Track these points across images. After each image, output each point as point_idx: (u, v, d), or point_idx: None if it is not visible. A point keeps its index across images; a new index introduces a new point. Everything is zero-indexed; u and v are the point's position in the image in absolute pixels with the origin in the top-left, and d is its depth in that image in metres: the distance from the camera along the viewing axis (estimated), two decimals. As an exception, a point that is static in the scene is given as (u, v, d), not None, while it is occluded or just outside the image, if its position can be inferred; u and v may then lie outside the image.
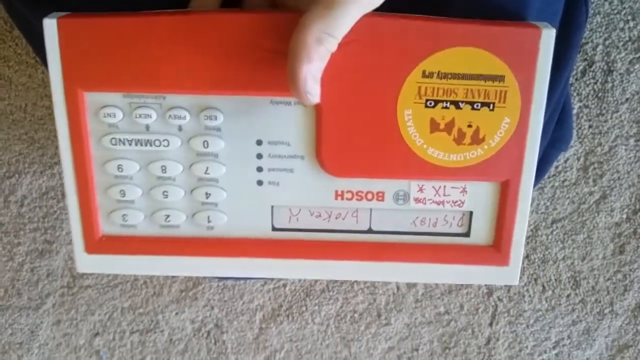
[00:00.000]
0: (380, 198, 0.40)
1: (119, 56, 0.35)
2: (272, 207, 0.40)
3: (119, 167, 0.38)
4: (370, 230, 0.41)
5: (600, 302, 0.74)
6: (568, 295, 0.74)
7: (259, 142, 0.38)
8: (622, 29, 0.60)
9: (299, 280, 0.75)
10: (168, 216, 0.40)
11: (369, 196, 0.40)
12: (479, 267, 0.41)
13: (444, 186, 0.39)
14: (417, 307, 0.76)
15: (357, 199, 0.40)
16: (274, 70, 0.35)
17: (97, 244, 0.40)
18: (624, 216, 0.69)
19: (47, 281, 0.77)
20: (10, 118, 0.67)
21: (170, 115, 0.37)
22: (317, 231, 0.41)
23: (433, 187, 0.39)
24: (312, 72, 0.32)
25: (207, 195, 0.39)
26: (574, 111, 0.63)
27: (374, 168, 0.38)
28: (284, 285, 0.76)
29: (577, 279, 0.73)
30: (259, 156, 0.38)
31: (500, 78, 0.35)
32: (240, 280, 0.75)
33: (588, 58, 0.61)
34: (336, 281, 0.75)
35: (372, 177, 0.39)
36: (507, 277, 0.41)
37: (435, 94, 0.36)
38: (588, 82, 0.62)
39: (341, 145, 0.37)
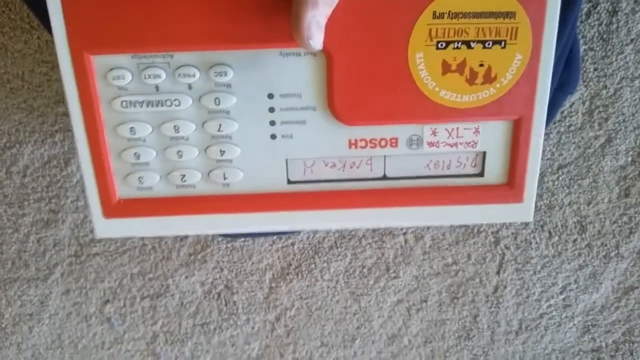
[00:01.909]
0: (393, 144, 0.40)
1: (124, 15, 0.34)
2: (287, 160, 0.40)
3: (132, 130, 0.38)
4: (384, 177, 0.41)
5: (606, 245, 0.75)
6: (574, 240, 0.75)
7: (271, 96, 0.38)
8: (626, -31, 0.59)
9: (307, 238, 0.76)
10: (184, 176, 0.40)
11: (383, 143, 0.40)
12: (493, 206, 0.41)
13: (457, 128, 0.39)
14: (425, 259, 0.77)
15: (370, 147, 0.40)
16: (282, 21, 0.35)
17: (115, 208, 0.40)
18: (629, 159, 0.69)
19: (54, 251, 0.77)
20: (8, 87, 0.66)
21: (179, 74, 0.36)
22: (332, 181, 0.41)
23: (446, 129, 0.39)
24: (316, 18, 0.31)
25: (222, 152, 0.39)
26: (580, 54, 0.63)
27: (387, 114, 0.38)
28: (292, 244, 0.76)
29: (583, 223, 0.74)
30: (271, 110, 0.38)
31: (511, 14, 0.35)
32: (250, 237, 0.75)
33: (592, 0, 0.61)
34: (344, 237, 0.75)
35: (384, 123, 0.39)
36: (522, 213, 0.41)
37: (446, 35, 0.36)
38: (593, 24, 0.62)
39: (353, 93, 0.37)
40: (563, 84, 0.53)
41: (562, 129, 0.67)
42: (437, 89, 0.37)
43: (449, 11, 0.35)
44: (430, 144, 0.40)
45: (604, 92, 0.65)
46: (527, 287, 0.78)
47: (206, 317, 0.81)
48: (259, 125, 0.39)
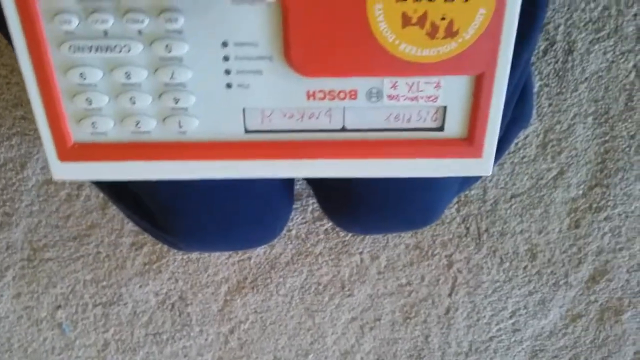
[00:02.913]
0: (353, 96, 0.39)
1: None
2: (244, 109, 0.39)
3: (82, 75, 0.37)
4: (344, 129, 0.40)
5: (555, 274, 0.77)
6: (525, 267, 0.77)
7: (225, 44, 0.37)
8: (584, 10, 0.61)
9: (264, 253, 0.76)
10: (138, 122, 0.39)
11: (342, 95, 0.39)
12: (453, 160, 0.41)
13: (418, 82, 0.38)
14: (379, 279, 0.78)
15: (329, 99, 0.39)
16: None
17: (70, 151, 0.40)
18: (580, 192, 0.71)
19: (6, 254, 0.76)
20: (-35, 88, 0.65)
21: (127, 19, 0.35)
22: (291, 132, 0.40)
23: (406, 83, 0.38)
24: None
25: (176, 100, 0.38)
26: (535, 90, 0.64)
27: (345, 66, 0.37)
28: (249, 258, 0.76)
29: (534, 251, 0.75)
30: (226, 58, 0.37)
31: None
32: (207, 251, 0.75)
33: (550, 37, 0.62)
34: (301, 254, 0.76)
35: (343, 75, 0.38)
36: (481, 167, 0.41)
37: None
38: (549, 61, 0.63)
39: (310, 44, 0.36)
40: (516, 118, 0.54)
41: (516, 160, 0.69)
42: (396, 42, 0.36)
43: None
44: (390, 97, 0.39)
45: (557, 126, 0.67)
46: (477, 311, 0.80)
47: (159, 327, 0.81)
48: (214, 74, 0.37)
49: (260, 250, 0.76)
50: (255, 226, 0.55)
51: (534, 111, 0.65)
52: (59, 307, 0.80)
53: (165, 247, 0.75)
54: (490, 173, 0.41)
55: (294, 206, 0.73)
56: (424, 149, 0.40)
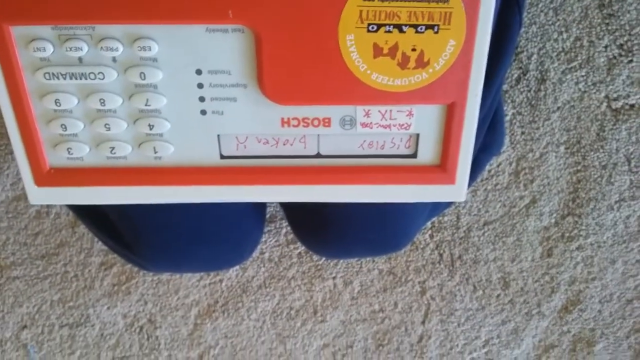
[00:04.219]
0: (326, 124, 0.39)
1: None
2: (219, 135, 0.39)
3: (57, 102, 0.37)
4: (318, 155, 0.41)
5: (528, 303, 0.77)
6: (498, 296, 0.76)
7: (199, 72, 0.37)
8: (556, 40, 0.62)
9: (236, 276, 0.75)
10: (113, 148, 0.39)
11: (315, 122, 0.39)
12: (426, 186, 0.41)
13: (390, 110, 0.39)
14: (352, 305, 0.77)
15: (303, 126, 0.39)
16: None
17: (46, 176, 0.40)
18: (553, 221, 0.71)
19: (-28, 272, 0.74)
20: None
21: (102, 47, 0.36)
22: (266, 157, 0.41)
23: (379, 111, 0.39)
24: None
25: (151, 126, 0.39)
26: (508, 117, 0.65)
27: (318, 95, 0.37)
28: (220, 281, 0.75)
29: (507, 280, 0.75)
30: (200, 86, 0.38)
31: None
32: (178, 273, 0.74)
33: (523, 66, 0.63)
34: (273, 277, 0.75)
35: (316, 103, 0.38)
36: (454, 194, 0.41)
37: (377, 17, 0.35)
38: (522, 89, 0.64)
39: (283, 73, 0.36)
40: (488, 145, 0.55)
41: (489, 187, 0.69)
42: (368, 71, 0.37)
43: None
44: (364, 125, 0.39)
45: (530, 155, 0.67)
46: (451, 339, 0.79)
47: (126, 351, 0.79)
48: (188, 101, 0.38)
49: (232, 273, 0.75)
50: (223, 247, 0.54)
51: (507, 138, 0.66)
52: (24, 327, 0.78)
53: (136, 268, 0.74)
54: (463, 199, 0.42)
55: (268, 229, 0.72)
56: (398, 176, 0.41)
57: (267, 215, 0.72)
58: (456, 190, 0.41)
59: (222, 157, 0.40)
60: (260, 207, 0.60)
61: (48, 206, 0.71)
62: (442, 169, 0.41)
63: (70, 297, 0.76)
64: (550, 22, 0.61)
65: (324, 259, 0.74)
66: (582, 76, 0.63)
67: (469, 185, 0.66)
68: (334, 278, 0.75)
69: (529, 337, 0.79)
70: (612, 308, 0.78)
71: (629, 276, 0.75)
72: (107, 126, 0.38)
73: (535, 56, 0.63)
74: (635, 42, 0.61)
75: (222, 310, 0.77)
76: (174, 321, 0.77)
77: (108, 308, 0.76)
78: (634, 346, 0.81)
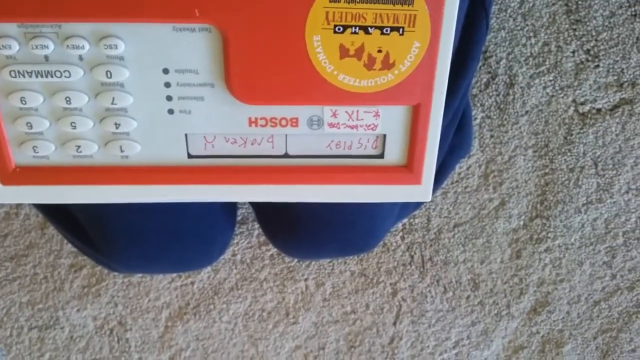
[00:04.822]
0: (294, 124, 0.40)
1: None
2: (186, 135, 0.39)
3: (22, 100, 0.37)
4: (286, 155, 0.41)
5: (497, 304, 0.78)
6: (468, 297, 0.77)
7: (166, 71, 0.37)
8: (525, 45, 0.63)
9: (208, 278, 0.75)
10: (79, 147, 0.39)
11: (283, 122, 0.39)
12: (393, 187, 0.42)
13: (357, 111, 0.39)
14: (324, 306, 0.77)
15: (271, 125, 0.39)
16: None
17: (12, 175, 0.40)
18: (521, 223, 0.72)
19: (-62, 274, 0.73)
20: None
21: (68, 45, 0.36)
22: (234, 157, 0.41)
23: (346, 112, 0.39)
24: None
25: (117, 125, 0.38)
26: (477, 121, 0.66)
27: (285, 95, 0.38)
28: (192, 283, 0.75)
29: (477, 281, 0.76)
30: (167, 85, 0.38)
31: (410, 1, 0.35)
32: (149, 274, 0.74)
33: (492, 71, 0.64)
34: (245, 279, 0.75)
35: (283, 103, 0.38)
36: (420, 194, 0.42)
37: (343, 19, 0.35)
38: (491, 93, 0.65)
39: (250, 73, 0.37)
40: (455, 147, 0.55)
41: (459, 190, 0.70)
42: (335, 72, 0.37)
43: None
44: (331, 125, 0.40)
45: (499, 158, 0.68)
46: (421, 340, 0.80)
47: (96, 353, 0.78)
48: (155, 100, 0.38)
49: (203, 274, 0.75)
50: (192, 247, 0.54)
51: (476, 141, 0.67)
52: (-8, 330, 0.77)
53: (106, 270, 0.73)
54: (429, 199, 0.42)
55: (240, 230, 0.72)
56: (365, 176, 0.41)
57: (239, 217, 0.72)
58: (422, 191, 0.42)
59: (190, 156, 0.40)
60: (231, 207, 0.60)
61: (17, 207, 0.70)
62: (408, 169, 0.41)
63: (39, 299, 0.75)
64: (518, 27, 0.62)
65: (295, 260, 0.74)
66: (550, 81, 0.64)
67: (438, 186, 0.67)
68: (306, 280, 0.76)
69: (499, 338, 0.80)
70: (580, 309, 0.79)
71: (596, 278, 0.77)
72: (73, 124, 0.38)
73: (504, 61, 0.63)
74: (602, 47, 0.63)
75: (193, 313, 0.77)
76: (144, 323, 0.77)
77: (78, 310, 0.76)
78: (602, 347, 0.82)
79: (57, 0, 0.34)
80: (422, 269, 0.75)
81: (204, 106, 0.38)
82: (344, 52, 0.36)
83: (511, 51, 0.63)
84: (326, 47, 0.36)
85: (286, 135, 0.40)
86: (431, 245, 0.73)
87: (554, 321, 0.79)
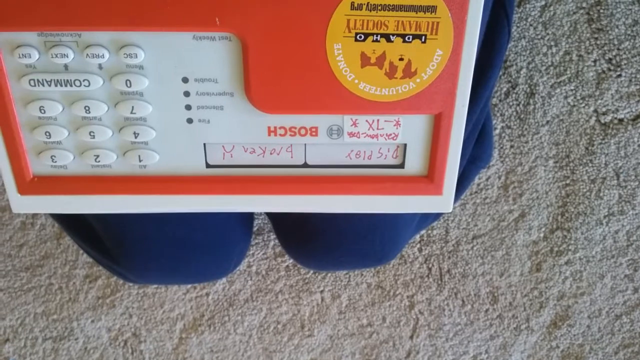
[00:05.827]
0: (313, 133, 0.39)
1: None
2: (205, 144, 0.39)
3: (41, 109, 0.37)
4: (305, 165, 0.40)
5: (517, 317, 0.76)
6: (486, 310, 0.76)
7: (185, 80, 0.37)
8: (545, 54, 0.62)
9: (223, 289, 0.74)
10: (98, 156, 0.39)
11: (302, 131, 0.39)
12: (413, 197, 0.41)
13: (378, 120, 0.39)
14: (340, 319, 0.76)
15: (290, 135, 0.39)
16: (195, 3, 0.34)
17: (30, 185, 0.40)
18: (542, 235, 0.71)
19: (-47, 283, 0.73)
20: None
21: (88, 54, 0.36)
22: (252, 167, 0.40)
23: (366, 121, 0.39)
24: None
25: (136, 134, 0.38)
26: (497, 131, 0.65)
27: (305, 104, 0.37)
28: (207, 295, 0.74)
29: (495, 294, 0.75)
30: (187, 94, 0.37)
31: (432, 9, 0.35)
32: (164, 285, 0.73)
33: (512, 80, 0.63)
34: (260, 291, 0.74)
35: (303, 112, 0.38)
36: (441, 205, 0.41)
37: (365, 27, 0.35)
38: (511, 103, 0.64)
39: (270, 82, 0.36)
40: (476, 157, 0.54)
41: (478, 201, 0.69)
42: (356, 81, 0.36)
43: (368, 3, 0.34)
44: (351, 135, 0.39)
45: (519, 168, 0.67)
46: (439, 354, 0.78)
47: (110, 365, 0.78)
48: (174, 109, 0.38)
49: (219, 286, 0.74)
50: (209, 258, 0.53)
51: (495, 152, 0.66)
52: (7, 340, 0.77)
53: (121, 281, 0.73)
54: (450, 210, 0.42)
55: (255, 241, 0.72)
56: (385, 186, 0.41)
57: (255, 228, 0.71)
58: (443, 201, 0.41)
59: (208, 166, 0.40)
60: (247, 218, 0.60)
61: (33, 217, 0.70)
62: (429, 179, 0.41)
63: (54, 310, 0.75)
64: (539, 36, 0.61)
65: (311, 271, 0.73)
66: (571, 90, 0.63)
67: (458, 197, 0.66)
68: (321, 292, 0.75)
69: (518, 353, 0.79)
70: (600, 323, 0.77)
71: (618, 291, 0.75)
72: (92, 134, 0.38)
73: (524, 70, 0.63)
74: (624, 56, 0.62)
75: (208, 324, 0.76)
76: (158, 335, 0.76)
77: (92, 321, 0.75)
78: (623, 362, 0.81)
79: (77, 9, 0.34)
80: (439, 282, 0.74)
81: (223, 115, 0.38)
82: (365, 61, 0.36)
83: (532, 60, 0.62)
84: (347, 56, 0.36)
85: (305, 144, 0.40)
86: (449, 258, 0.72)
87: (574, 335, 0.78)
